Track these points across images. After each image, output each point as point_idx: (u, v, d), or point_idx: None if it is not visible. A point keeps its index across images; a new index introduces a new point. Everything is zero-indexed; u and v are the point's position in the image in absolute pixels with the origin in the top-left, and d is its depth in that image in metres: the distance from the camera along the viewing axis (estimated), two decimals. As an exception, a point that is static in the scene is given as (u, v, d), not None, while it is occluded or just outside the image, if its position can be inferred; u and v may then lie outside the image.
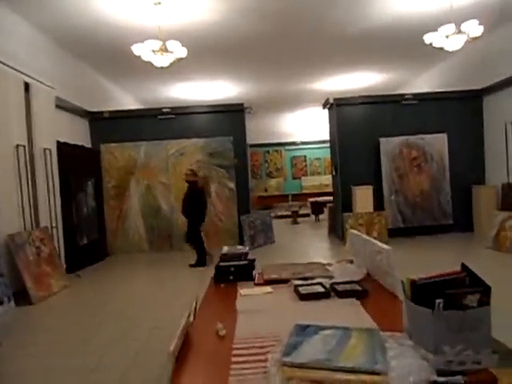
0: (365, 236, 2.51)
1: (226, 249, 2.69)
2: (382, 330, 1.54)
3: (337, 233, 8.01)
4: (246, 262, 2.58)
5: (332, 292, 2.12)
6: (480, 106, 7.75)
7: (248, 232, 7.44)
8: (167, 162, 7.85)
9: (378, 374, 1.22)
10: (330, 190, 9.95)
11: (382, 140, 7.58)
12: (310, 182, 16.45)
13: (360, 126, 7.73)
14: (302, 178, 16.67)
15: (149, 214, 7.82)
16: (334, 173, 8.07)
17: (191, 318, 1.85)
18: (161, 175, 7.85)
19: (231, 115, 7.97)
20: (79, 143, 7.21)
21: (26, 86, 5.38)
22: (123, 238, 7.79)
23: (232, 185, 7.80)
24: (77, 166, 6.81)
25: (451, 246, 6.70)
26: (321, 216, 11.39)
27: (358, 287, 2.15)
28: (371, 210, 7.37)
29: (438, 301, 1.29)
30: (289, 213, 12.14)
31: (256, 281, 2.50)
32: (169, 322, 3.32)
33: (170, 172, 7.85)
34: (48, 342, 3.52)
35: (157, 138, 7.83)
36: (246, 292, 2.27)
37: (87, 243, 6.83)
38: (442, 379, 1.20)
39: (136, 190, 7.84)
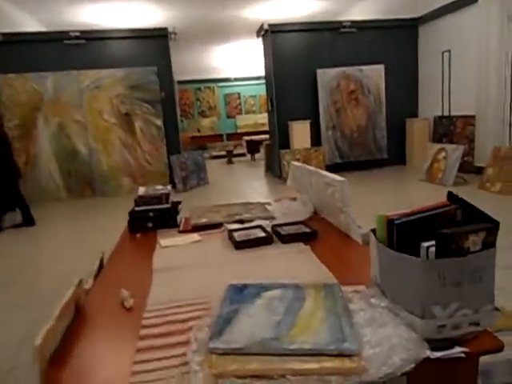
0: (311, 167, 2.10)
1: (142, 190, 2.15)
2: (342, 284, 1.16)
3: (274, 171, 7.71)
4: (167, 206, 2.09)
5: (274, 236, 1.72)
6: (416, 35, 7.52)
7: (179, 174, 6.85)
8: (81, 97, 6.80)
9: (347, 355, 0.84)
10: (266, 128, 9.49)
11: (319, 72, 7.14)
12: (245, 121, 15.84)
13: (297, 56, 7.18)
14: (237, 116, 15.97)
15: (64, 159, 6.86)
16: (269, 108, 7.58)
17: (87, 285, 1.35)
18: (74, 112, 6.82)
19: (154, 42, 6.98)
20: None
21: None
22: (35, 186, 6.81)
23: (159, 122, 7.02)
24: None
25: (388, 179, 6.71)
26: (257, 155, 11.02)
27: (305, 229, 1.77)
28: (309, 145, 7.09)
29: (425, 244, 0.92)
30: (223, 153, 11.61)
31: (181, 228, 2.03)
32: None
33: (85, 108, 6.83)
34: None
35: (66, 68, 6.69)
36: (166, 243, 1.80)
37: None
38: (437, 354, 0.85)
39: (45, 129, 6.77)
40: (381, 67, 7.29)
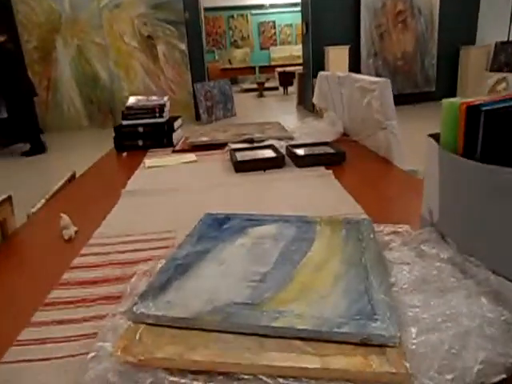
0: (341, 72, 1.62)
1: (132, 99, 1.76)
2: (375, 222, 0.75)
3: (307, 104, 7.08)
4: (162, 120, 1.69)
5: (288, 158, 1.31)
6: None
7: (204, 103, 6.38)
8: (100, 17, 6.28)
9: (378, 345, 0.45)
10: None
11: (364, -11, 6.22)
12: (280, 53, 14.77)
13: (338, -31, 6.24)
14: (271, 48, 14.88)
15: (84, 84, 6.52)
16: (304, 31, 6.79)
17: (33, 209, 1.02)
18: (94, 34, 6.35)
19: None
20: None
21: None
22: (56, 112, 6.58)
23: (183, 46, 6.45)
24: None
25: (435, 115, 5.95)
26: (290, 89, 10.26)
27: (329, 149, 1.34)
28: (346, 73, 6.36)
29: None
30: (255, 86, 10.92)
31: (177, 147, 1.65)
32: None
33: (105, 30, 6.34)
34: None
35: (84, -17, 6.13)
36: (152, 163, 1.43)
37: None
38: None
39: (65, 52, 6.38)
40: (437, -18, 6.25)
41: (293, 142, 1.49)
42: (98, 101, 6.61)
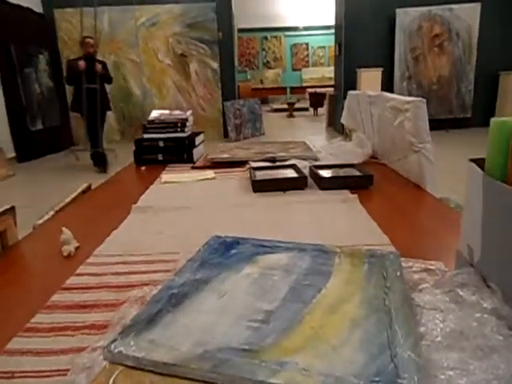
0: (372, 91, 1.53)
1: (154, 113, 1.73)
2: (403, 256, 0.66)
3: (336, 125, 7.00)
4: (183, 135, 1.65)
5: (311, 180, 1.23)
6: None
7: (233, 121, 6.41)
8: (136, 35, 6.49)
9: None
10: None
11: (399, 12, 6.15)
12: (312, 75, 14.82)
13: (374, -8, 6.22)
14: (303, 69, 14.97)
15: (119, 99, 6.70)
16: (337, 53, 6.76)
17: (40, 220, 0.98)
18: (130, 51, 6.54)
19: (214, -27, 6.37)
20: (25, 5, 5.80)
21: None
22: (91, 125, 6.77)
23: (215, 65, 6.54)
24: (21, 34, 5.52)
25: (469, 143, 5.73)
26: (320, 110, 10.22)
27: (356, 172, 1.25)
28: (378, 98, 6.26)
29: None
30: (285, 106, 10.94)
31: (197, 163, 1.60)
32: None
33: (140, 47, 6.53)
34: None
35: (124, 2, 6.36)
36: (168, 178, 1.38)
37: (44, 129, 5.86)
38: None
39: (101, 68, 6.59)
40: (476, 6, 6.11)
41: (317, 163, 1.40)
42: (130, 116, 6.76)
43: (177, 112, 1.74)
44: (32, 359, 0.50)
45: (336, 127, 7.04)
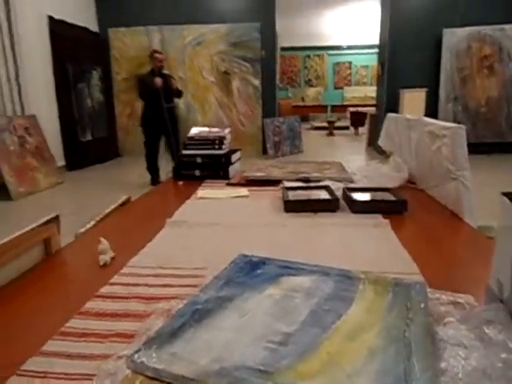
0: (410, 115, 1.52)
1: (194, 130, 1.80)
2: (431, 287, 0.65)
3: (377, 145, 6.88)
4: (220, 152, 1.70)
5: (343, 202, 1.23)
6: None
7: (272, 138, 6.47)
8: (183, 53, 6.75)
9: None
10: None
11: (447, 32, 6.02)
12: (354, 93, 14.74)
13: (419, 13, 6.13)
14: (345, 88, 14.92)
15: (163, 114, 6.95)
16: (380, 72, 6.70)
17: (82, 229, 1.04)
18: (177, 68, 6.81)
19: (260, -5, 6.55)
20: (82, 25, 6.21)
21: None
22: (135, 138, 7.04)
23: (257, 82, 6.67)
24: (78, 51, 5.90)
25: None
26: (361, 129, 10.11)
27: (390, 197, 1.23)
28: (421, 119, 6.12)
29: None
30: (325, 125, 10.91)
31: (232, 180, 1.64)
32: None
33: (186, 65, 6.79)
34: None
35: (173, 22, 6.65)
36: (204, 194, 1.42)
37: (93, 140, 6.18)
38: None
39: (149, 84, 6.90)
40: (530, 27, 5.88)
41: (351, 185, 1.40)
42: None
43: (215, 129, 1.79)
44: (63, 362, 0.54)
45: (376, 147, 6.92)
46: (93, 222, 1.15)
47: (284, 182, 1.48)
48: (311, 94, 14.87)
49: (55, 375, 0.51)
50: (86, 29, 6.31)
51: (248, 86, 6.70)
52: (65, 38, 5.57)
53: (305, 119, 12.65)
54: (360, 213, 1.14)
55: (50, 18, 5.30)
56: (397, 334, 0.50)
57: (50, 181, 4.61)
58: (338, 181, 1.47)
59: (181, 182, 1.66)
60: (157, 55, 4.78)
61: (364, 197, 1.25)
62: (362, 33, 13.39)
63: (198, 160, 1.69)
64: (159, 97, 4.47)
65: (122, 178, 5.38)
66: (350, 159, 6.56)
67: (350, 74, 14.90)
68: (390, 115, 1.75)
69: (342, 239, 0.97)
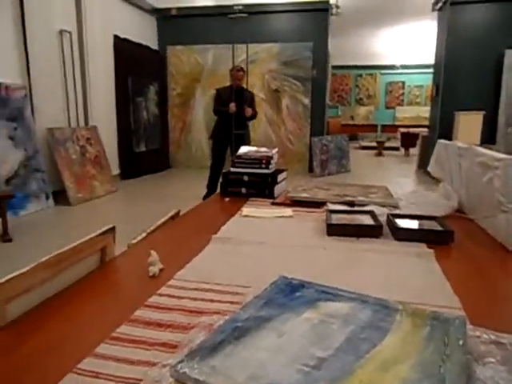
0: (461, 143, 1.48)
1: (243, 149, 1.86)
2: (472, 324, 0.64)
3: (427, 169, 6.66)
4: (267, 171, 1.75)
5: (387, 228, 1.22)
6: None
7: (319, 157, 6.47)
8: (236, 71, 6.95)
9: None
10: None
11: (509, 52, 5.77)
12: (406, 113, 14.39)
13: (478, 33, 5.93)
14: (397, 107, 14.61)
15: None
16: (434, 93, 6.52)
17: (134, 240, 1.12)
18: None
19: (313, 16, 6.62)
20: (144, 43, 6.60)
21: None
22: (186, 151, 7.33)
23: (306, 101, 6.72)
24: (138, 67, 6.27)
25: None
26: (412, 150, 9.83)
27: (436, 226, 1.21)
28: (478, 142, 5.86)
29: None
30: (374, 144, 10.72)
31: (277, 199, 1.67)
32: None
33: (238, 82, 6.98)
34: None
35: (227, 42, 6.90)
36: (249, 212, 1.46)
37: (146, 151, 6.49)
38: None
39: (201, 99, 7.16)
40: None
41: (396, 211, 1.39)
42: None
43: (263, 149, 1.84)
44: (113, 364, 0.59)
45: (427, 170, 6.70)
46: (144, 234, 1.22)
47: (328, 204, 1.50)
48: (361, 113, 14.70)
49: (105, 376, 0.56)
50: (147, 47, 6.70)
51: (297, 105, 6.76)
52: (127, 55, 5.95)
53: (353, 138, 12.51)
54: (404, 241, 1.13)
55: (116, 37, 5.69)
56: (431, 369, 0.50)
57: (106, 188, 4.89)
58: (383, 206, 1.47)
59: (227, 199, 1.72)
60: (233, 73, 4.54)
61: (409, 224, 1.24)
62: (416, 52, 13.12)
63: (245, 178, 1.74)
64: (231, 120, 4.34)
65: (172, 189, 5.59)
66: (398, 181, 6.39)
67: (402, 94, 14.59)
68: (441, 141, 1.72)
69: (383, 267, 0.97)
